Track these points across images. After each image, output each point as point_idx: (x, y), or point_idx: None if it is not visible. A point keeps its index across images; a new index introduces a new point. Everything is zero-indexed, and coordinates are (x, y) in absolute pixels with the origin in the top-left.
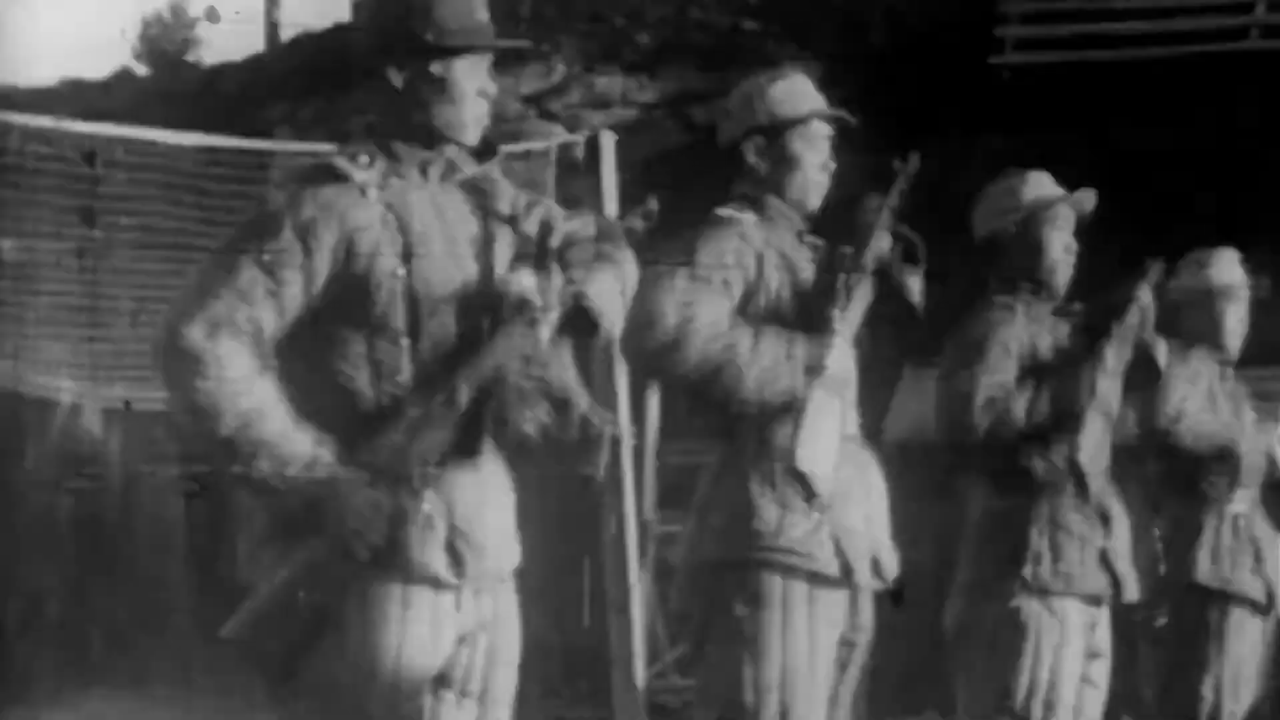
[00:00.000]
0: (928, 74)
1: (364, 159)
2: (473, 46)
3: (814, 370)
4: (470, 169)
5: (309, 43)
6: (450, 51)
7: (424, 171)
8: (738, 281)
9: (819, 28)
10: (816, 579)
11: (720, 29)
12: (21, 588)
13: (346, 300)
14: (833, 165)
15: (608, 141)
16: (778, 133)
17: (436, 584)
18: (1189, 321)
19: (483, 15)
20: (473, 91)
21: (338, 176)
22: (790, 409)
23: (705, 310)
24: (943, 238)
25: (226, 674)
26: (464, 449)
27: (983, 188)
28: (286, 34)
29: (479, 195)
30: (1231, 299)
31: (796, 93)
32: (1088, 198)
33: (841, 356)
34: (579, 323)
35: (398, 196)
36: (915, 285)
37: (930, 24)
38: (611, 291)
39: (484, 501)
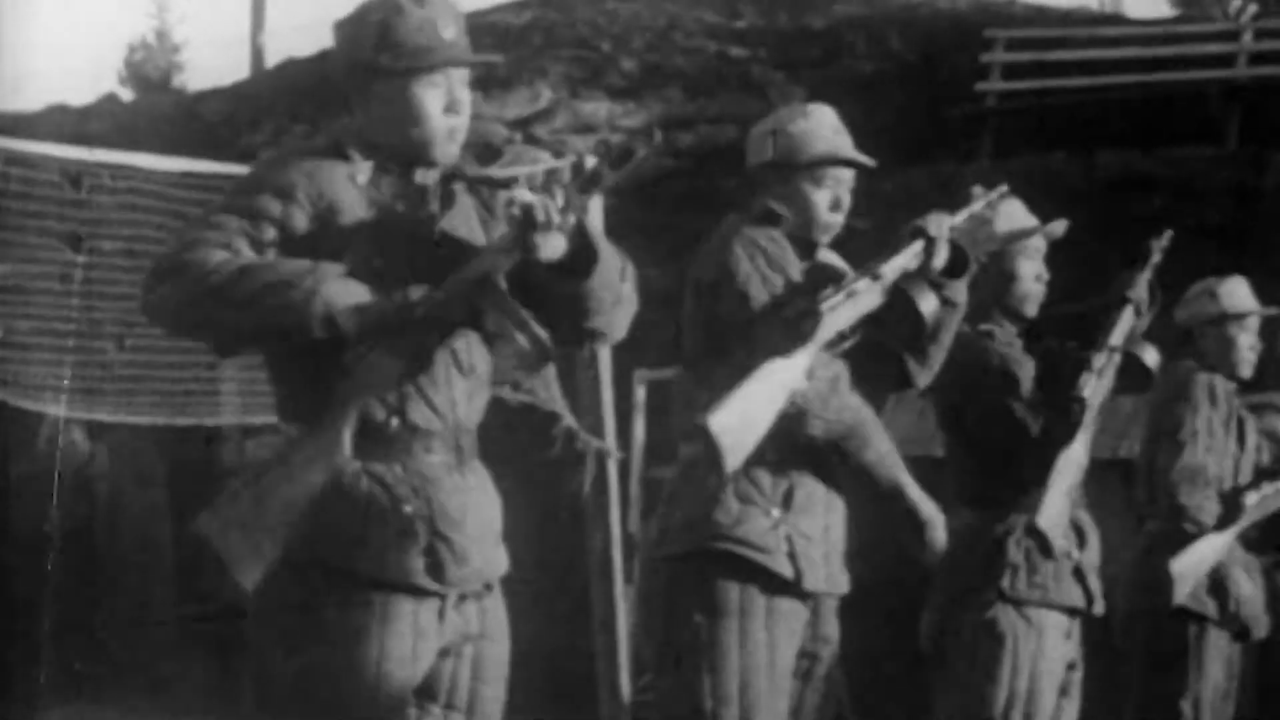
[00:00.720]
0: (913, 99)
1: (362, 162)
2: (426, 66)
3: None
4: (473, 170)
5: (294, 68)
6: (404, 72)
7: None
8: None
9: (804, 53)
10: (772, 584)
11: (706, 54)
12: (6, 600)
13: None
14: (848, 203)
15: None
16: (789, 172)
17: (416, 592)
18: (1202, 348)
19: (449, 32)
20: (437, 110)
21: (333, 154)
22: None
23: None
24: None
25: (210, 688)
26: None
27: None
28: (272, 59)
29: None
30: (1243, 324)
31: (814, 134)
32: (1059, 227)
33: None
34: (577, 258)
35: (383, 195)
36: (931, 304)
37: (915, 50)
38: (604, 237)
39: (468, 506)
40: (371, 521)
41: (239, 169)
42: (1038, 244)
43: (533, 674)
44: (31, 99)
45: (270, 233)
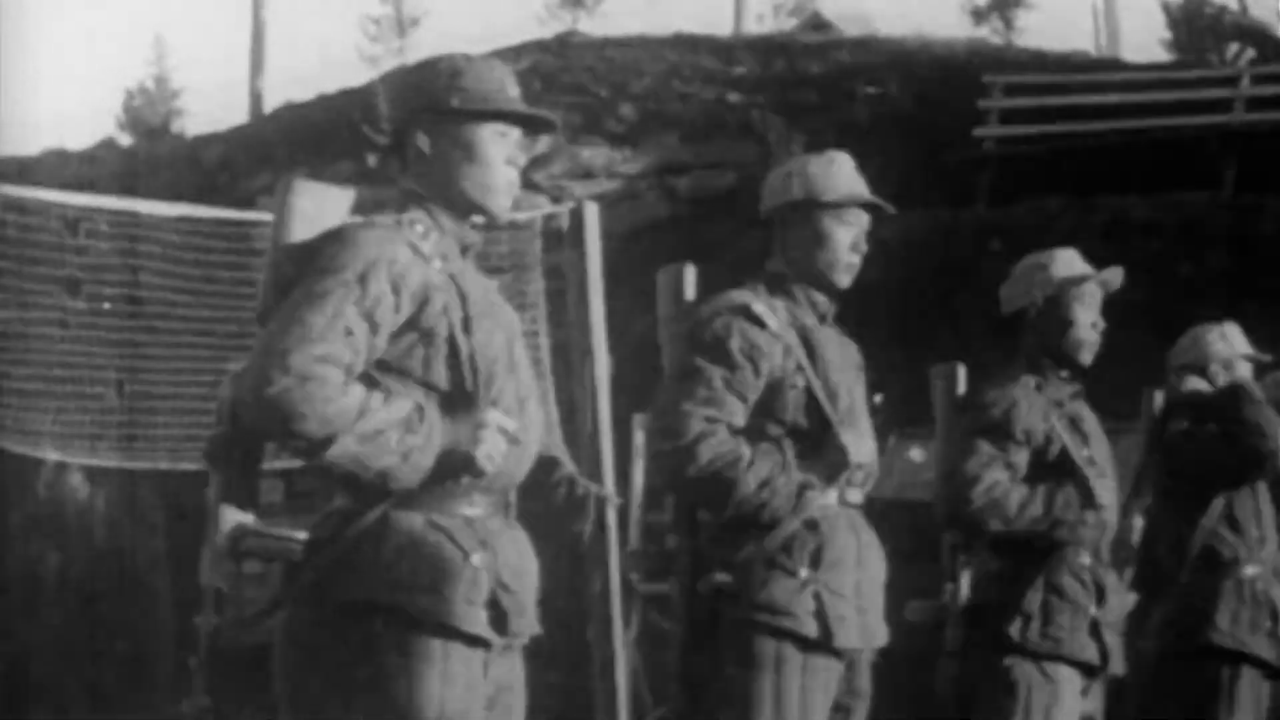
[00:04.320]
0: (911, 144)
1: (419, 228)
2: (495, 112)
3: (807, 488)
4: (475, 239)
5: (292, 113)
6: (476, 116)
7: (464, 251)
8: (760, 378)
9: (802, 99)
10: (805, 642)
11: (704, 101)
12: (4, 645)
13: (402, 353)
14: (865, 248)
15: (592, 212)
16: (813, 210)
17: (474, 642)
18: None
19: (513, 90)
20: (500, 159)
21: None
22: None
23: (722, 427)
24: (929, 307)
25: None
26: None
27: (968, 257)
28: (270, 104)
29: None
30: (1235, 370)
31: (838, 174)
32: (1115, 275)
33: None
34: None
35: (454, 267)
36: None
37: (913, 95)
38: None
39: (524, 559)
40: (441, 572)
41: (238, 214)
42: (1092, 291)
43: (533, 718)
44: (30, 144)
45: (385, 329)
